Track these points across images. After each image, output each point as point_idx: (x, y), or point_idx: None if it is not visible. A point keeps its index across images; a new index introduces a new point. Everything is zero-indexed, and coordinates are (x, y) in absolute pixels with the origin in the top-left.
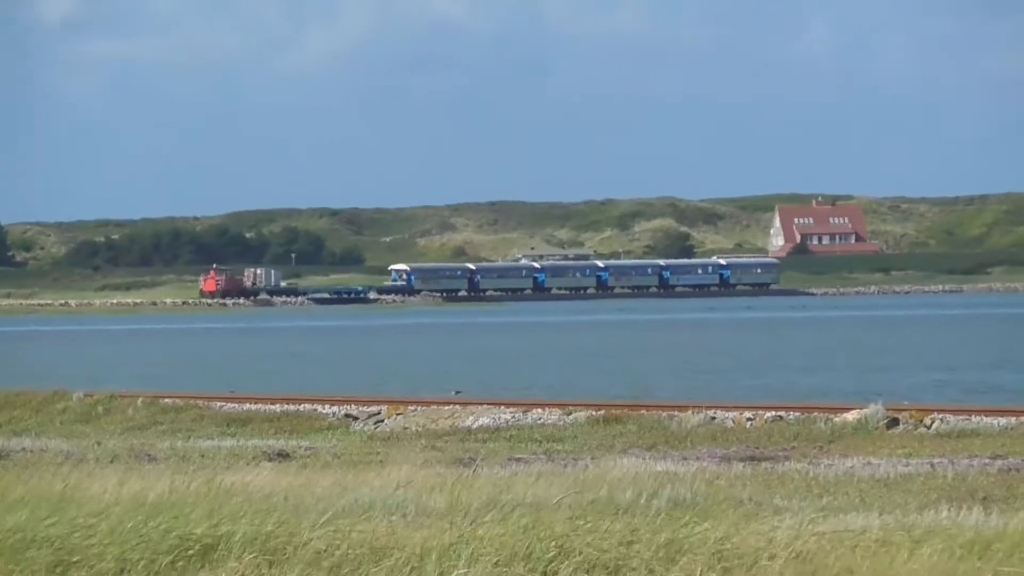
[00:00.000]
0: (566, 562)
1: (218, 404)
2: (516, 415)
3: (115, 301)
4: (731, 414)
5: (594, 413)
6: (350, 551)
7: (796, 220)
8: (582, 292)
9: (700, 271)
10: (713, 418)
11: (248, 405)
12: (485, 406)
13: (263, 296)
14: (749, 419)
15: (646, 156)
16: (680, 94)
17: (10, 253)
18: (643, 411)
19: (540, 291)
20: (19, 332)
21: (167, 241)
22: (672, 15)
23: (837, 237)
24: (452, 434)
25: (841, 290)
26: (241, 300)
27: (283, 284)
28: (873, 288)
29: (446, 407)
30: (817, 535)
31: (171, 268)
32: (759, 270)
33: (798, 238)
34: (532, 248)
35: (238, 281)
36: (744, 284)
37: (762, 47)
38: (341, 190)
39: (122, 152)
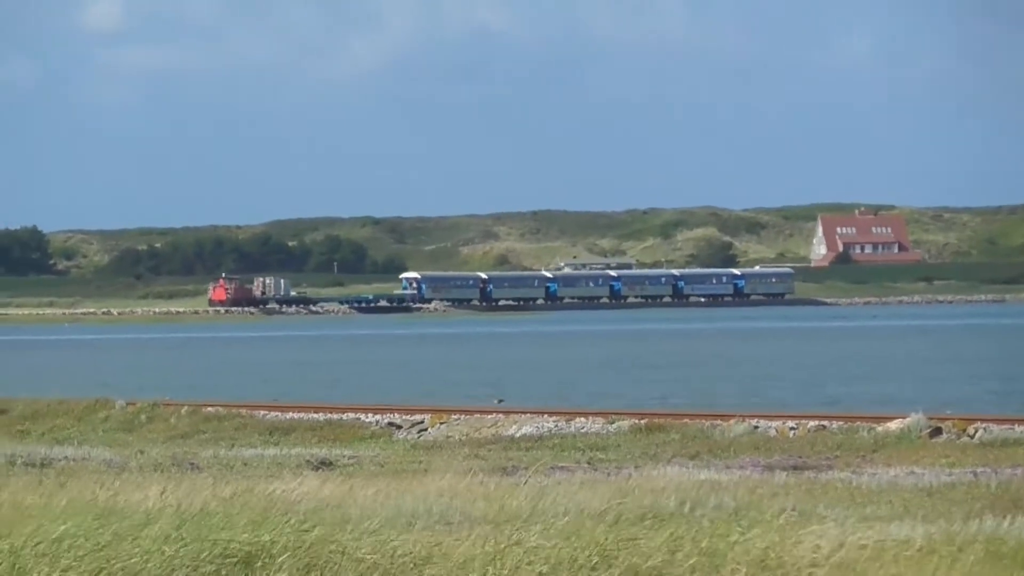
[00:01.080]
0: (609, 570)
1: (261, 413)
2: (559, 424)
3: (157, 310)
4: (774, 423)
5: (637, 422)
6: (393, 560)
7: (839, 229)
8: (595, 302)
9: (714, 281)
10: (756, 427)
11: (291, 414)
12: (528, 415)
13: (272, 305)
14: (792, 428)
15: (688, 165)
16: (722, 102)
17: (52, 261)
18: (686, 420)
19: (552, 300)
20: (62, 340)
21: (209, 249)
22: (714, 23)
23: (880, 246)
24: (495, 443)
25: (883, 300)
26: (251, 309)
27: (293, 293)
28: (916, 298)
29: (489, 416)
30: (860, 544)
31: (213, 276)
32: (774, 280)
33: (841, 247)
34: (575, 257)
35: (247, 290)
36: (759, 294)
37: (804, 55)
38: (384, 199)
39: (164, 160)
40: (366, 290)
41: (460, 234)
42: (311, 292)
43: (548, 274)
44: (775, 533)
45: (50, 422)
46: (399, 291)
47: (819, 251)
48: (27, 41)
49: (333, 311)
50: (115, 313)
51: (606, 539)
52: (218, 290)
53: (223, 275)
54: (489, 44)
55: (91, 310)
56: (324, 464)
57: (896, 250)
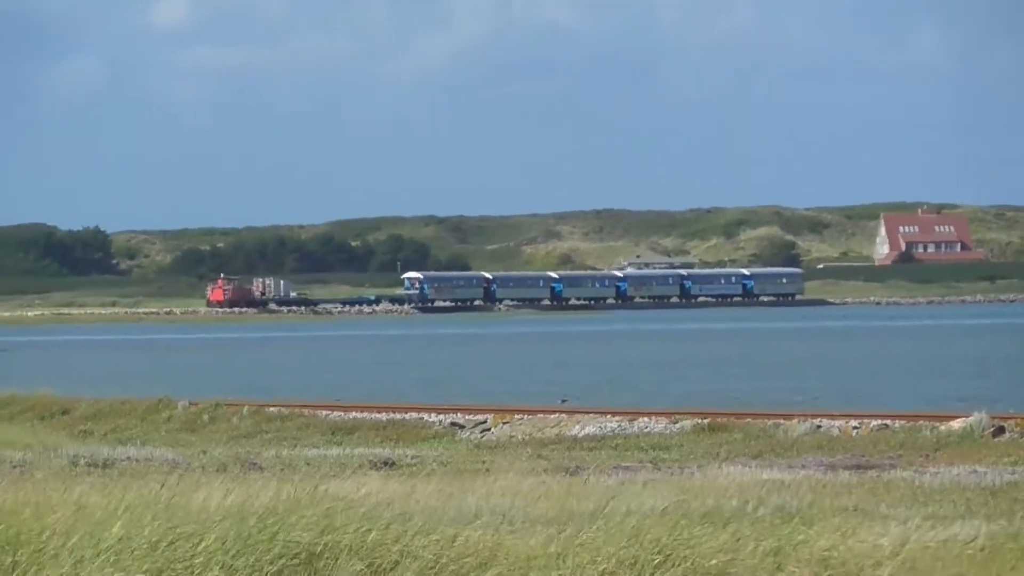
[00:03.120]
0: (671, 570)
1: (323, 413)
2: (622, 424)
3: (221, 310)
4: (837, 423)
5: (700, 422)
6: (456, 560)
7: (901, 228)
8: (601, 302)
9: (723, 281)
10: (819, 427)
11: (354, 414)
12: (591, 415)
13: (271, 306)
14: (855, 428)
15: (752, 164)
16: (786, 100)
17: (115, 261)
18: (749, 420)
19: (558, 301)
20: (124, 340)
21: (272, 249)
22: (782, 20)
23: (942, 245)
24: (558, 443)
25: (946, 299)
26: (249, 310)
27: (293, 295)
28: (978, 297)
29: (552, 416)
30: (923, 544)
31: (276, 276)
32: (784, 280)
33: (903, 246)
34: (638, 256)
35: (247, 291)
36: (768, 294)
37: (870, 53)
38: (447, 198)
39: (228, 159)
40: (358, 293)
41: (523, 233)
42: (352, 294)
43: (554, 275)
44: (838, 532)
45: (113, 422)
46: (401, 291)
47: (882, 250)
48: (94, 41)
49: (395, 310)
50: (177, 313)
51: (669, 539)
52: (216, 291)
53: (221, 275)
54: (556, 40)
55: (153, 310)
56: (387, 464)
57: (959, 249)
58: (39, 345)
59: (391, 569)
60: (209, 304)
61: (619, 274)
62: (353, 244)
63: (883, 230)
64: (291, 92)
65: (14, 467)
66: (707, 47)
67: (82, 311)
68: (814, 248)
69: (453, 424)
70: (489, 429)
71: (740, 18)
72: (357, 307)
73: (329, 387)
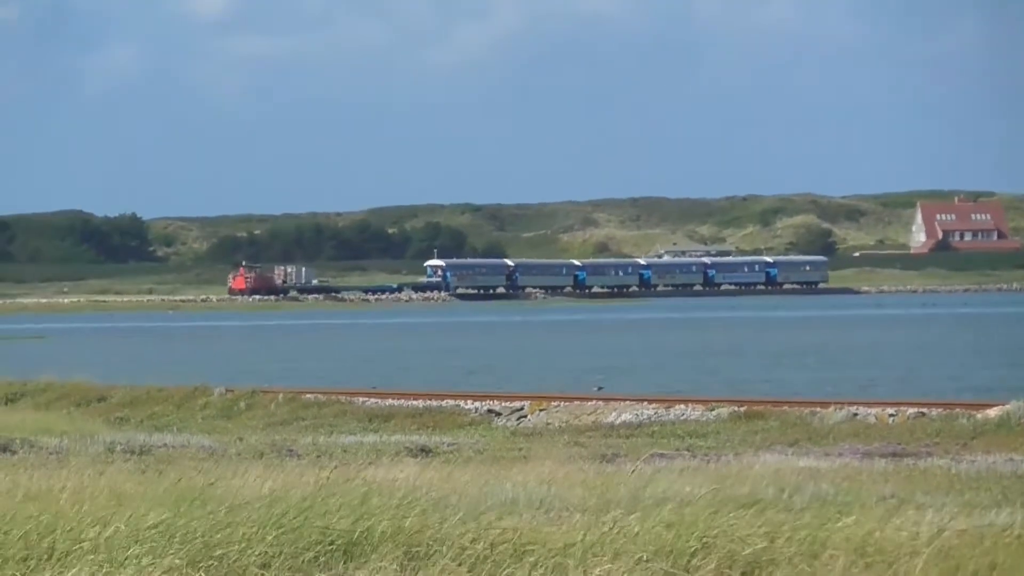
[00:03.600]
0: (708, 557)
1: (360, 400)
2: (658, 411)
3: (257, 297)
4: (873, 410)
5: (736, 409)
6: (492, 547)
7: (938, 217)
8: (624, 291)
9: (746, 269)
10: (855, 414)
11: (390, 401)
12: (628, 402)
13: (293, 294)
14: (891, 415)
15: (788, 152)
16: (823, 89)
17: (151, 248)
18: (785, 407)
19: (581, 289)
20: (161, 327)
21: (309, 237)
22: (819, 9)
23: (979, 234)
24: (595, 430)
25: (983, 287)
26: (271, 298)
27: (315, 282)
28: (1015, 285)
29: (589, 403)
30: (960, 531)
31: (313, 264)
32: (808, 268)
33: (940, 235)
34: (674, 244)
35: (268, 279)
36: (792, 282)
37: (907, 42)
38: (484, 185)
39: (265, 147)
40: (369, 281)
41: (560, 221)
42: (378, 282)
43: (577, 263)
44: (874, 520)
45: (149, 409)
46: (424, 279)
47: (918, 238)
48: (135, 30)
49: (434, 297)
50: (214, 300)
51: (705, 526)
52: (238, 279)
53: (243, 263)
54: (595, 29)
55: (190, 297)
56: (423, 451)
57: (995, 237)
58: (75, 332)
59: (427, 556)
60: (231, 292)
61: (643, 262)
62: (390, 232)
63: (919, 218)
64: (330, 80)
65: (51, 454)
66: (745, 36)
67: (118, 298)
68: (850, 236)
69: (489, 411)
70: (526, 416)
71: (778, 7)
72: (376, 295)
73: (366, 374)
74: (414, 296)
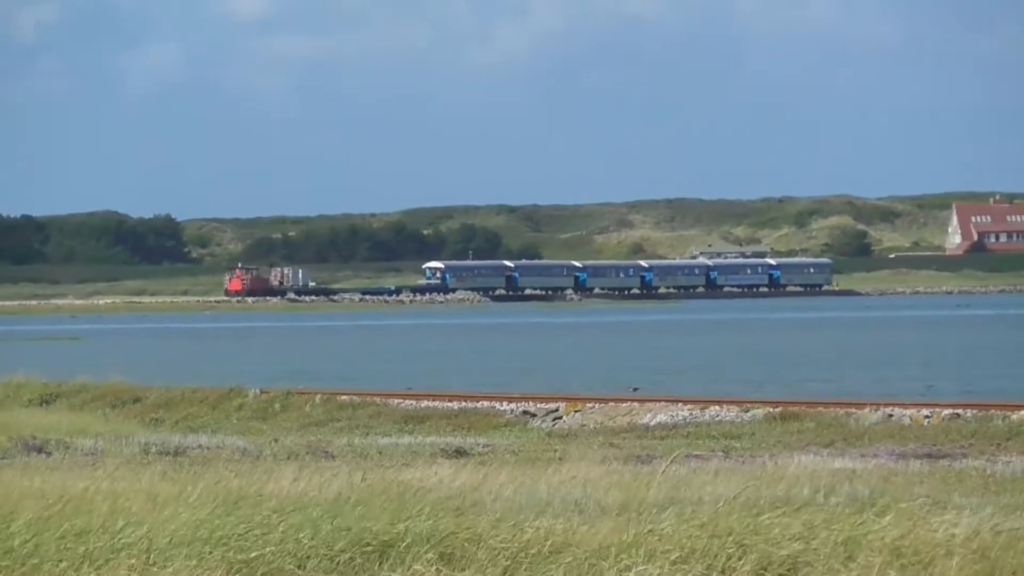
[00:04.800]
0: (744, 559)
1: (395, 401)
2: (694, 412)
3: (292, 297)
4: (908, 411)
5: (771, 410)
6: (527, 548)
7: (974, 218)
8: (626, 293)
9: (749, 271)
10: (891, 415)
11: (425, 402)
12: (663, 403)
13: (290, 296)
14: (926, 417)
15: (824, 153)
16: (859, 90)
17: (186, 249)
18: (820, 408)
19: (582, 291)
20: (195, 329)
21: (344, 238)
22: (857, 9)
23: (1015, 235)
24: (630, 431)
25: (1018, 288)
26: (268, 299)
27: (311, 284)
28: None
29: (624, 404)
30: (996, 532)
31: (348, 265)
32: (811, 270)
33: (975, 236)
34: (709, 245)
35: (264, 280)
36: (795, 285)
37: (944, 43)
38: (519, 187)
39: (301, 148)
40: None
41: (595, 222)
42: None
43: (578, 264)
44: (909, 521)
45: (184, 410)
46: (423, 281)
47: (954, 240)
48: (173, 29)
49: (466, 299)
50: (249, 301)
51: (740, 527)
52: (234, 281)
53: (239, 265)
54: (633, 29)
55: (225, 298)
56: (458, 452)
57: None
58: (110, 333)
59: (463, 557)
60: (227, 294)
61: (645, 264)
62: (425, 233)
63: (955, 220)
64: (367, 81)
65: (86, 455)
66: (783, 36)
67: (153, 299)
68: (886, 238)
69: (525, 413)
70: (561, 417)
71: (816, 7)
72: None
73: (400, 375)
74: (448, 297)
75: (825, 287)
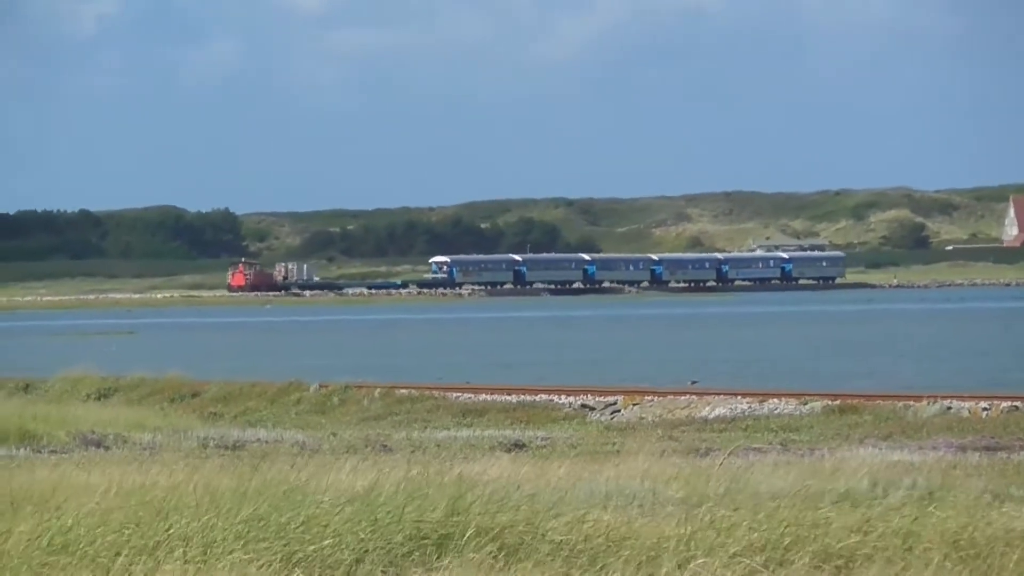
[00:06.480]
0: (802, 551)
1: (454, 395)
2: (752, 405)
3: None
4: (967, 404)
5: (830, 403)
6: (586, 541)
7: None
8: (636, 286)
9: (760, 264)
10: (949, 408)
11: (484, 396)
12: (721, 396)
13: (295, 290)
14: (985, 409)
15: (882, 146)
16: (917, 83)
17: (244, 243)
18: (879, 401)
19: (591, 283)
20: (255, 323)
21: (402, 232)
22: (917, 2)
23: None
24: (688, 424)
25: None
26: (271, 294)
27: (316, 279)
28: None
29: (682, 397)
30: None
31: (406, 259)
32: (824, 263)
33: None
34: (767, 238)
35: (268, 275)
36: (807, 278)
37: (1002, 36)
38: (577, 180)
39: (359, 141)
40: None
41: (652, 216)
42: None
43: (587, 257)
44: (968, 514)
45: (243, 404)
46: (429, 275)
47: (1011, 232)
48: (235, 24)
49: (538, 294)
50: (307, 295)
51: (798, 520)
52: (237, 276)
53: (243, 260)
54: (695, 22)
55: (301, 292)
56: (517, 446)
57: None
58: (167, 327)
59: (521, 550)
60: (230, 289)
61: (655, 257)
62: (483, 226)
63: (1012, 212)
64: (427, 74)
65: (144, 449)
66: (842, 29)
67: (211, 293)
68: (943, 230)
69: (583, 406)
70: (619, 411)
71: (874, 1)
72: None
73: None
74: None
75: (838, 280)
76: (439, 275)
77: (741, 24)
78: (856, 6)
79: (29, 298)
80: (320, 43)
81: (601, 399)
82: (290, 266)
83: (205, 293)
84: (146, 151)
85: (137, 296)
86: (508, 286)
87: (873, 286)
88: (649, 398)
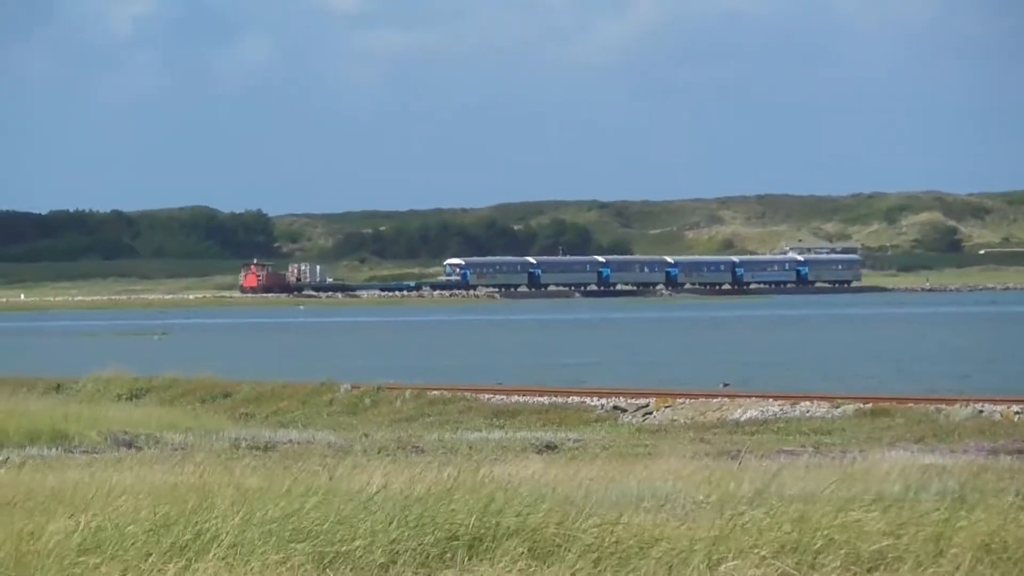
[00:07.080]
0: (833, 554)
1: (486, 396)
2: (784, 408)
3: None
4: (999, 407)
5: (862, 406)
6: (617, 543)
7: None
8: (650, 288)
9: (776, 267)
10: (981, 411)
11: (516, 397)
12: (753, 399)
13: (308, 292)
14: (1017, 412)
15: (914, 149)
16: (950, 86)
17: (277, 244)
18: (911, 404)
19: (605, 286)
20: (287, 324)
21: (434, 233)
22: (955, 5)
23: None
24: (720, 426)
25: None
26: (283, 296)
27: (328, 280)
28: None
29: (714, 400)
30: None
31: (438, 260)
32: (840, 267)
33: None
34: (800, 241)
35: (280, 276)
36: (823, 281)
37: None
38: (610, 182)
39: (393, 143)
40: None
41: (685, 218)
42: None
43: (602, 259)
44: (1000, 517)
45: (274, 405)
46: (443, 277)
47: None
48: (269, 24)
49: (564, 294)
50: (339, 297)
51: (830, 523)
52: (249, 277)
53: (255, 261)
54: (730, 24)
55: (315, 294)
56: (549, 447)
57: None
58: (200, 328)
59: (552, 552)
60: (243, 290)
61: (670, 260)
62: (516, 228)
63: None
64: (462, 76)
65: (175, 449)
66: (877, 32)
67: (246, 295)
68: (975, 234)
69: (615, 408)
70: (651, 413)
71: (912, 3)
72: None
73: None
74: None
75: (854, 283)
76: (453, 277)
77: (775, 27)
78: (891, 8)
79: (61, 298)
80: (355, 44)
81: (633, 401)
82: (303, 267)
83: (237, 294)
84: (179, 151)
85: (169, 297)
86: (523, 288)
87: (888, 289)
88: (681, 400)
